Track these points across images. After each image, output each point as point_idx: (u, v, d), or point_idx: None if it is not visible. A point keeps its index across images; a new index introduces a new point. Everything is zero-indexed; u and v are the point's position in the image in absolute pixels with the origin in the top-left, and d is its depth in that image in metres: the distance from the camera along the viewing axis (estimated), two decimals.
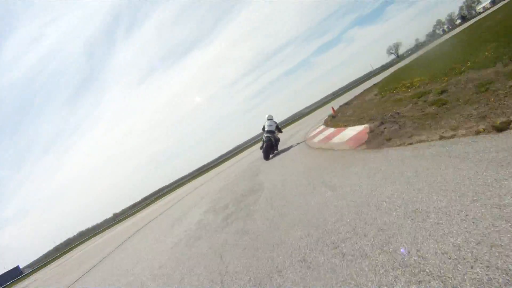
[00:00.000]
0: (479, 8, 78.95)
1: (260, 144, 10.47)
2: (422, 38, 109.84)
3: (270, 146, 9.42)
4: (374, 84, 19.47)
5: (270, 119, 10.26)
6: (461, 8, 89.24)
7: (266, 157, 9.32)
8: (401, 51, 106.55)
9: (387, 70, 38.35)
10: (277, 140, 9.82)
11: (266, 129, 9.81)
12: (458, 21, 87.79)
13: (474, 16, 63.23)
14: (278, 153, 9.53)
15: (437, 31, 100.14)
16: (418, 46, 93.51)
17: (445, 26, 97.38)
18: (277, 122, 10.48)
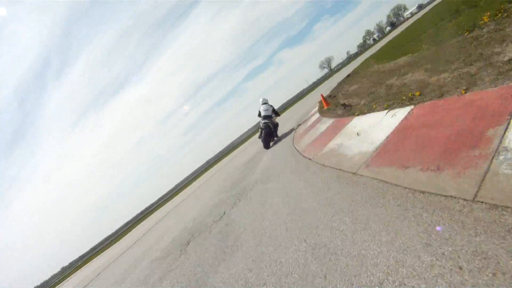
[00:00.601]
0: (406, 14, 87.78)
1: (258, 134, 9.66)
2: (353, 50, 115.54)
3: (269, 133, 8.59)
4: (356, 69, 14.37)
5: (265, 103, 9.43)
6: (388, 16, 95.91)
7: (267, 146, 8.56)
8: (333, 64, 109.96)
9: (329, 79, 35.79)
10: (276, 126, 9.09)
11: (262, 115, 9.01)
12: (388, 28, 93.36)
13: (403, 22, 67.79)
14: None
15: (368, 41, 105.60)
16: (350, 58, 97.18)
17: (375, 35, 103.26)
18: (273, 105, 9.56)
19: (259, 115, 9.16)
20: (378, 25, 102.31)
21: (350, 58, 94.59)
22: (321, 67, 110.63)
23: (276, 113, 9.46)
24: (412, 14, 69.15)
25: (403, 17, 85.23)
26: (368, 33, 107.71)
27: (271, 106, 9.28)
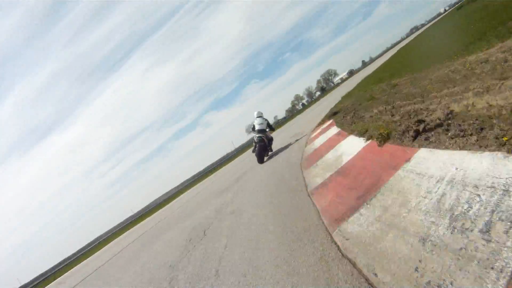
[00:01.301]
0: (336, 79, 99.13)
1: (252, 148, 9.75)
2: (281, 114, 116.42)
3: (263, 147, 8.82)
4: None
5: (259, 116, 9.66)
6: (318, 82, 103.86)
7: (261, 161, 8.69)
8: None
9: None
10: (270, 140, 9.34)
11: (256, 129, 9.26)
12: (318, 93, 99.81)
13: (333, 88, 73.67)
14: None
15: (297, 106, 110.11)
16: (277, 122, 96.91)
17: (304, 100, 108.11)
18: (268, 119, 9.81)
19: (253, 129, 9.38)
20: (307, 90, 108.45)
21: (278, 122, 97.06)
22: (248, 131, 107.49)
23: (271, 127, 9.83)
24: (343, 80, 76.83)
25: (333, 83, 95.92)
26: (297, 97, 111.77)
27: (266, 120, 9.58)
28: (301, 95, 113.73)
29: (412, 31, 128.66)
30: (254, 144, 9.06)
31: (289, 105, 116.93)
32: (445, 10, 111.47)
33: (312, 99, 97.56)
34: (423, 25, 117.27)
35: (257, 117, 9.55)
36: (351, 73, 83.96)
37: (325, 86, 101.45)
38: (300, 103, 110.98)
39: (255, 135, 9.05)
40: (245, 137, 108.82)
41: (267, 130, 9.43)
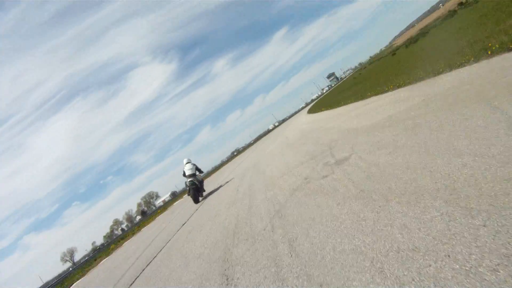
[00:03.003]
0: (158, 202, 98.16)
1: (187, 191, 10.98)
2: (99, 240, 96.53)
3: (196, 189, 10.19)
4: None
5: (188, 162, 10.77)
6: (139, 204, 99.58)
7: (196, 201, 10.14)
8: (78, 257, 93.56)
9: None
10: (201, 182, 10.69)
11: (187, 174, 10.33)
12: (138, 217, 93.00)
13: (156, 210, 65.51)
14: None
15: (116, 231, 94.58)
16: (95, 250, 78.72)
17: (124, 225, 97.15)
18: (196, 164, 10.84)
19: (184, 174, 10.35)
20: (127, 213, 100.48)
21: (96, 250, 76.22)
22: (63, 260, 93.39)
23: (200, 170, 10.74)
24: (165, 202, 78.30)
25: (155, 206, 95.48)
26: (116, 222, 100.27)
27: (194, 164, 10.60)
28: (120, 219, 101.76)
29: (233, 154, 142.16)
30: (187, 188, 10.23)
31: (107, 231, 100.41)
32: (274, 126, 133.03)
33: (132, 224, 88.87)
34: (245, 147, 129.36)
35: (186, 163, 10.60)
36: (174, 195, 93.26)
37: (146, 210, 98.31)
38: (120, 228, 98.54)
39: (187, 180, 10.07)
40: (60, 267, 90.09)
41: (197, 173, 10.38)
